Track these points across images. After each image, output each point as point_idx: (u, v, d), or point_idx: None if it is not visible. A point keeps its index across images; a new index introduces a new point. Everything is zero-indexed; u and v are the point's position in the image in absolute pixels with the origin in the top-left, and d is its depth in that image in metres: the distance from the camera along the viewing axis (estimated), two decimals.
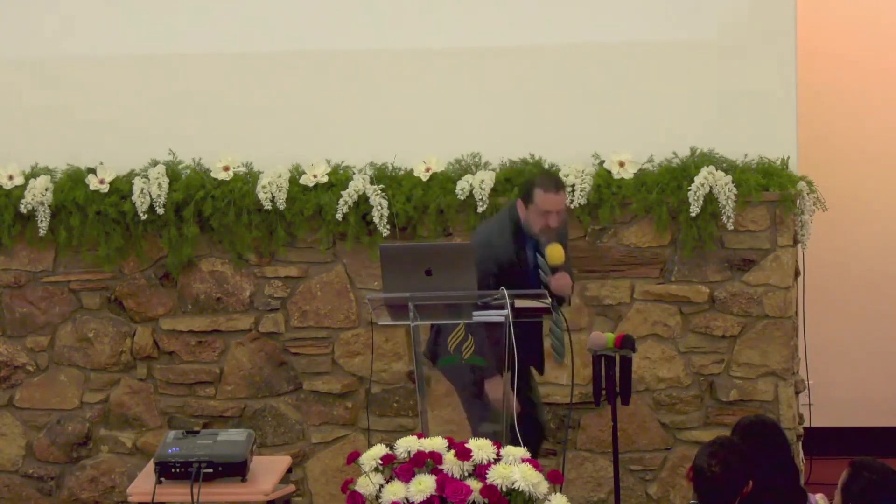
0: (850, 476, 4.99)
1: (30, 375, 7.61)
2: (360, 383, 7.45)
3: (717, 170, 7.09)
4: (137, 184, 7.34)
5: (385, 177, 7.30)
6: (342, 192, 7.23)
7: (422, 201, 7.18)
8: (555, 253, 6.41)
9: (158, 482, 5.89)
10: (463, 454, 5.39)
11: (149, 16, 7.48)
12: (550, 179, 6.55)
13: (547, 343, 6.70)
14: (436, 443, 5.48)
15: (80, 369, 7.58)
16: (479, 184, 7.14)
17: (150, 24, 7.49)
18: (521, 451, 5.47)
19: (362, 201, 7.25)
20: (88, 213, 7.40)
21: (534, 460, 5.47)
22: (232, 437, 6.00)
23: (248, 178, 7.37)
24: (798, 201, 7.19)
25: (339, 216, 7.23)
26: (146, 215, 7.34)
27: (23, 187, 7.44)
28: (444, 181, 7.19)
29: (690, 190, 7.06)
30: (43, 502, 7.62)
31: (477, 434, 6.10)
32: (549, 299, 6.07)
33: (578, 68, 7.32)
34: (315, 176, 7.32)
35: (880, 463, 5.01)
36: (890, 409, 8.39)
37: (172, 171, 7.39)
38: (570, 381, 6.96)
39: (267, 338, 7.47)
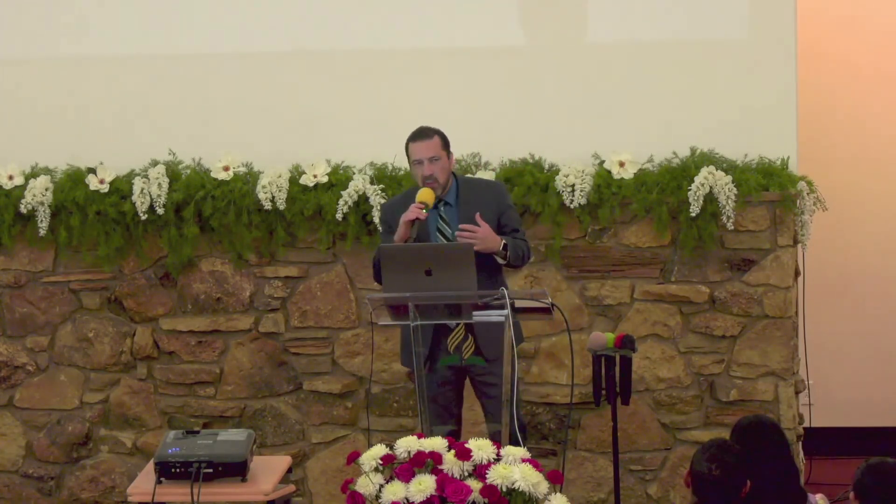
0: (863, 475, 4.98)
1: (30, 375, 7.62)
2: (360, 383, 7.45)
3: (717, 170, 7.09)
4: (137, 184, 7.34)
5: (385, 177, 7.30)
6: (342, 192, 7.23)
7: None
8: (424, 195, 6.30)
9: (158, 482, 5.89)
10: (463, 454, 5.40)
11: (149, 16, 7.48)
12: (416, 130, 6.45)
13: None
14: (436, 443, 5.49)
15: (80, 369, 7.58)
16: None
17: (150, 24, 7.49)
18: (521, 451, 5.47)
19: (362, 201, 7.25)
20: (88, 213, 7.41)
21: (534, 460, 5.47)
22: (232, 437, 6.00)
23: (248, 178, 7.37)
24: (798, 201, 7.19)
25: (339, 216, 7.23)
26: (146, 215, 7.35)
27: (23, 187, 7.44)
28: None
29: (690, 190, 7.06)
30: (43, 502, 7.62)
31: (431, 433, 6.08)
32: (549, 299, 6.07)
33: (578, 68, 7.32)
34: (315, 176, 7.32)
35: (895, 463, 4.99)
36: (890, 409, 8.40)
37: (172, 171, 7.39)
38: (570, 381, 6.97)
39: (267, 338, 7.48)
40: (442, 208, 6.43)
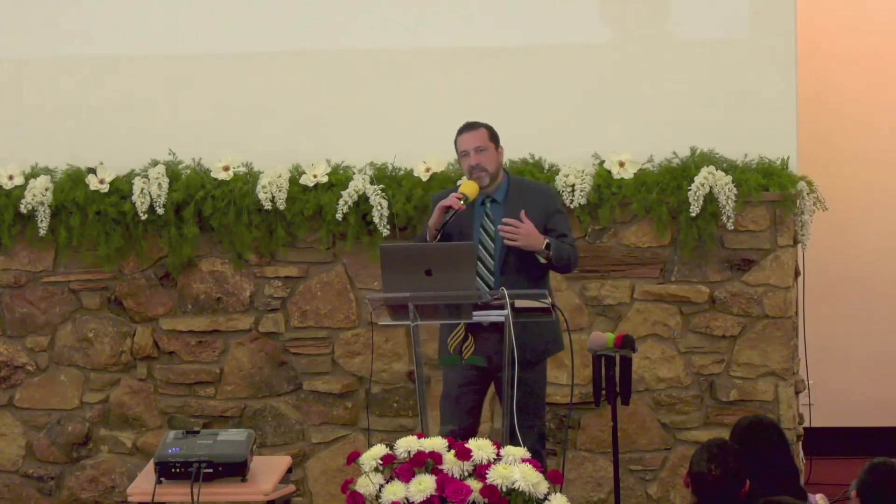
0: (865, 475, 4.97)
1: (30, 375, 7.62)
2: (360, 383, 7.45)
3: (717, 170, 7.09)
4: (137, 184, 7.34)
5: (385, 177, 7.30)
6: (342, 192, 7.23)
7: (422, 201, 7.18)
8: (465, 187, 6.33)
9: (158, 482, 5.89)
10: (463, 454, 5.39)
11: (149, 16, 7.48)
12: (464, 123, 6.48)
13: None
14: (436, 443, 5.48)
15: (80, 369, 7.58)
16: None
17: (150, 24, 7.49)
18: (521, 451, 5.47)
19: (362, 201, 7.25)
20: (88, 213, 7.41)
21: (534, 460, 5.46)
22: (232, 437, 6.00)
23: (248, 178, 7.37)
24: (798, 201, 7.19)
25: (339, 216, 7.23)
26: (146, 215, 7.35)
27: (23, 187, 7.44)
28: (444, 181, 7.19)
29: (690, 190, 7.06)
30: (43, 502, 7.62)
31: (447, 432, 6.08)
32: (549, 299, 6.07)
33: (578, 68, 7.32)
34: (315, 176, 7.32)
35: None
36: (890, 409, 8.39)
37: (172, 171, 7.39)
38: (570, 381, 6.97)
39: (267, 338, 7.48)
40: (489, 205, 6.43)
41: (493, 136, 6.46)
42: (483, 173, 6.36)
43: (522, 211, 6.27)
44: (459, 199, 6.24)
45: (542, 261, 6.30)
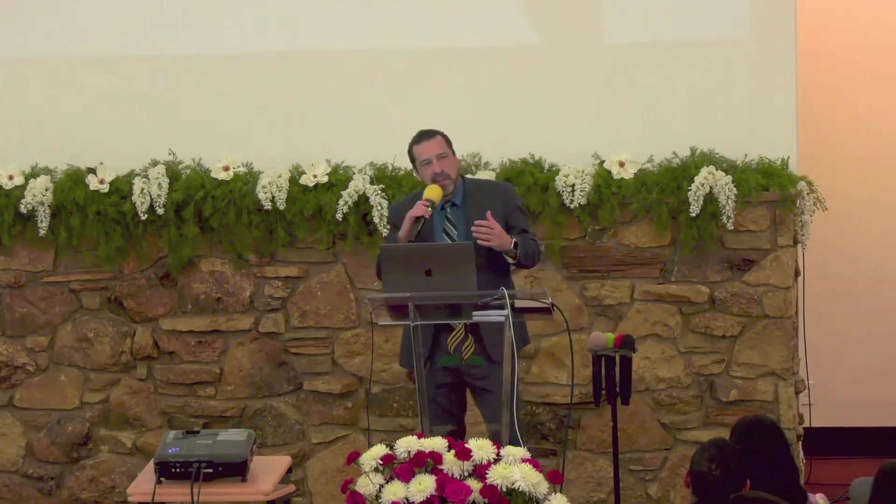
0: (878, 480, 4.97)
1: (30, 375, 7.62)
2: (360, 383, 7.45)
3: (717, 170, 7.09)
4: (137, 184, 7.34)
5: (385, 177, 7.30)
6: (342, 192, 7.23)
7: None
8: (430, 192, 6.32)
9: (158, 482, 5.89)
10: (463, 454, 5.40)
11: (149, 16, 7.49)
12: (418, 133, 6.47)
13: None
14: (436, 443, 5.49)
15: (80, 369, 7.58)
16: None
17: (150, 24, 7.49)
18: (521, 451, 5.47)
19: (362, 201, 7.25)
20: (88, 213, 7.41)
21: (534, 460, 5.47)
22: (232, 437, 6.01)
23: (248, 178, 7.37)
24: (798, 201, 7.19)
25: (339, 216, 7.23)
26: (146, 215, 7.35)
27: (23, 187, 7.44)
28: None
29: (690, 190, 7.06)
30: (43, 502, 7.62)
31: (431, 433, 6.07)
32: (549, 299, 6.07)
33: (578, 68, 7.32)
34: (315, 176, 7.32)
35: None
36: (890, 409, 8.40)
37: (172, 171, 7.40)
38: (570, 381, 6.97)
39: (267, 338, 7.48)
40: (448, 210, 6.43)
41: (449, 143, 6.47)
42: (447, 181, 6.38)
43: (489, 212, 6.27)
44: (426, 206, 6.23)
45: (511, 261, 6.31)
